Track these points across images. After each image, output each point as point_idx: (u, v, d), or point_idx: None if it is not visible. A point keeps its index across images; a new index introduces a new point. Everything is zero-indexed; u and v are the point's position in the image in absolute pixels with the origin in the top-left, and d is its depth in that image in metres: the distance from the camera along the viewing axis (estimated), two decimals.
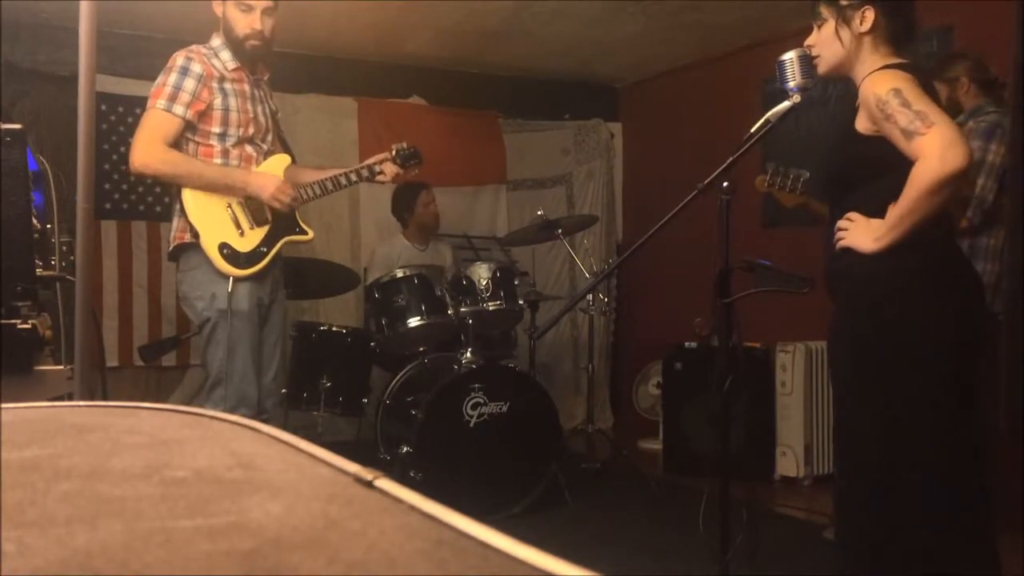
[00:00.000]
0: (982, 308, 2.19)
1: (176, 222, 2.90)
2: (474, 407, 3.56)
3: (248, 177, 2.87)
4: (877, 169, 2.07)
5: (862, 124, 2.09)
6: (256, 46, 2.88)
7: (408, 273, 3.93)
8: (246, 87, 2.94)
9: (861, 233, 2.07)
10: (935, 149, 1.89)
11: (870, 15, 2.10)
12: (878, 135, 2.03)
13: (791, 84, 2.13)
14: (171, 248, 2.93)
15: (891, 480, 2.07)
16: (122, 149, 4.60)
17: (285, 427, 1.02)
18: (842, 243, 2.11)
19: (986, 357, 2.37)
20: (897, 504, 2.06)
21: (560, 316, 2.63)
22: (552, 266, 5.87)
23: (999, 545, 2.07)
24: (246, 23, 2.84)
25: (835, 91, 4.46)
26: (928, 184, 1.90)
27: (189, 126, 2.84)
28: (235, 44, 2.88)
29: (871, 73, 2.08)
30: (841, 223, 2.12)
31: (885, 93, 1.98)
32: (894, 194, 2.00)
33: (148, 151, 2.77)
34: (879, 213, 2.05)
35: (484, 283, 3.88)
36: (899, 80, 2.00)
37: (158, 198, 4.77)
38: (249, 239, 2.87)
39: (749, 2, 4.35)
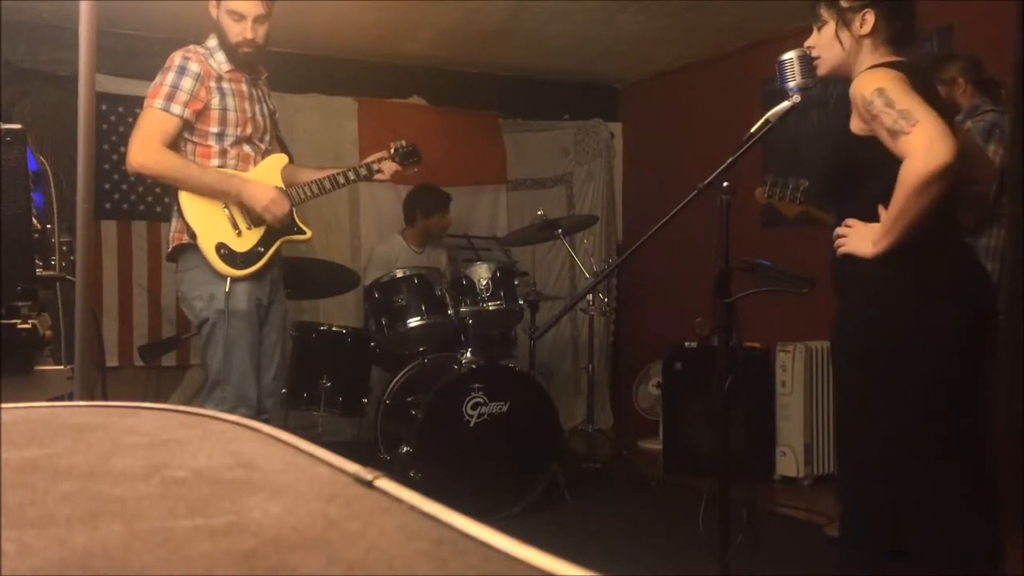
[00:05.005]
0: (991, 308, 2.18)
1: (174, 223, 2.90)
2: (474, 407, 3.56)
3: (244, 186, 2.85)
4: (871, 170, 2.05)
5: (855, 125, 2.08)
6: (248, 53, 2.88)
7: (408, 273, 3.94)
8: (243, 87, 2.94)
9: (860, 238, 2.05)
10: (919, 147, 1.87)
11: (870, 18, 2.09)
12: (871, 135, 2.02)
13: (791, 84, 2.12)
14: (170, 249, 2.93)
15: (894, 479, 2.06)
16: (122, 149, 4.57)
17: (285, 427, 1.02)
18: (841, 250, 2.10)
19: (991, 357, 2.37)
20: (901, 502, 2.06)
21: (560, 316, 2.62)
22: (552, 266, 5.87)
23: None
24: (238, 31, 2.84)
25: (835, 92, 4.46)
26: (915, 183, 1.87)
27: (187, 126, 2.84)
28: (229, 49, 2.88)
29: (861, 73, 2.07)
30: (839, 230, 2.11)
31: (869, 93, 1.97)
32: (888, 195, 1.99)
33: (144, 151, 2.77)
34: (875, 215, 2.04)
35: (484, 283, 3.88)
36: (885, 79, 1.98)
37: (158, 198, 4.77)
38: (246, 239, 2.87)
39: (749, 2, 4.35)
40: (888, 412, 2.05)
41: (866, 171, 2.07)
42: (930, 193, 1.89)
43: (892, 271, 2.02)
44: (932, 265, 2.03)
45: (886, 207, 2.00)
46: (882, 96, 1.95)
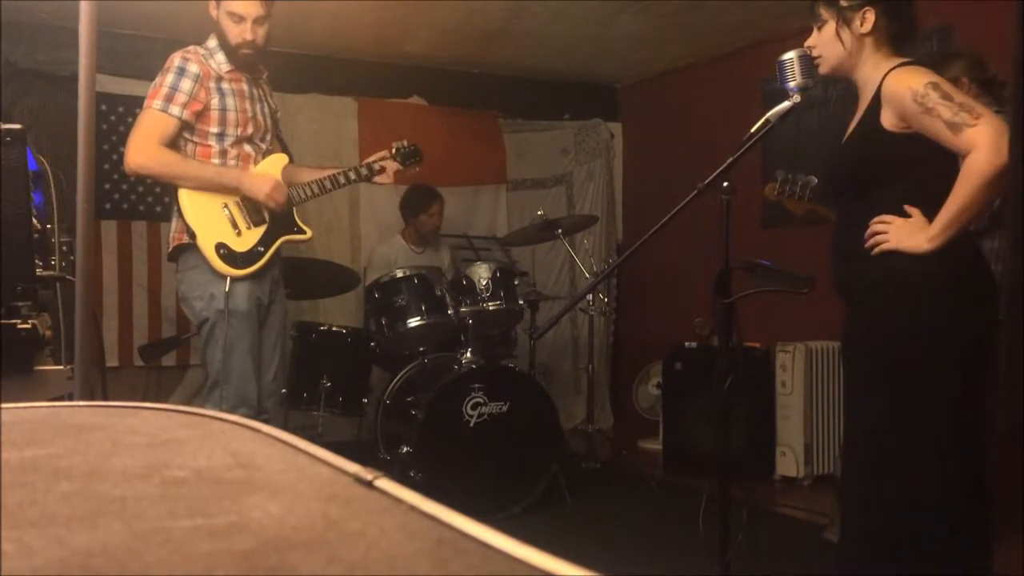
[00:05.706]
0: (998, 310, 2.18)
1: (174, 223, 2.91)
2: (474, 407, 3.56)
3: (243, 177, 2.87)
4: (904, 167, 2.03)
5: (889, 121, 2.03)
6: (248, 55, 2.89)
7: (408, 273, 3.93)
8: (244, 86, 2.94)
9: (908, 233, 1.98)
10: (990, 139, 1.84)
11: (870, 16, 2.09)
12: (906, 132, 2.00)
13: (791, 84, 2.12)
14: (170, 249, 2.93)
15: (904, 480, 2.05)
16: (122, 149, 4.54)
17: (285, 427, 1.02)
18: (886, 246, 2.01)
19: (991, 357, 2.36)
20: (905, 503, 2.05)
21: (560, 316, 2.62)
22: (552, 266, 5.87)
23: (998, 546, 2.07)
24: (237, 33, 2.85)
25: (835, 91, 4.46)
26: (988, 174, 1.85)
27: (187, 126, 2.84)
28: (229, 50, 2.89)
29: (894, 69, 2.05)
30: (877, 226, 2.03)
31: (923, 87, 1.95)
32: (921, 192, 1.97)
33: (142, 151, 2.78)
34: (903, 212, 2.01)
35: (484, 283, 3.88)
36: (931, 74, 1.98)
37: (158, 198, 4.78)
38: (246, 239, 2.87)
39: (749, 2, 4.35)
40: (915, 414, 2.02)
41: (901, 167, 2.04)
42: (996, 187, 1.86)
43: (931, 270, 1.98)
44: (958, 264, 2.01)
45: (919, 204, 1.98)
46: (938, 89, 1.93)
